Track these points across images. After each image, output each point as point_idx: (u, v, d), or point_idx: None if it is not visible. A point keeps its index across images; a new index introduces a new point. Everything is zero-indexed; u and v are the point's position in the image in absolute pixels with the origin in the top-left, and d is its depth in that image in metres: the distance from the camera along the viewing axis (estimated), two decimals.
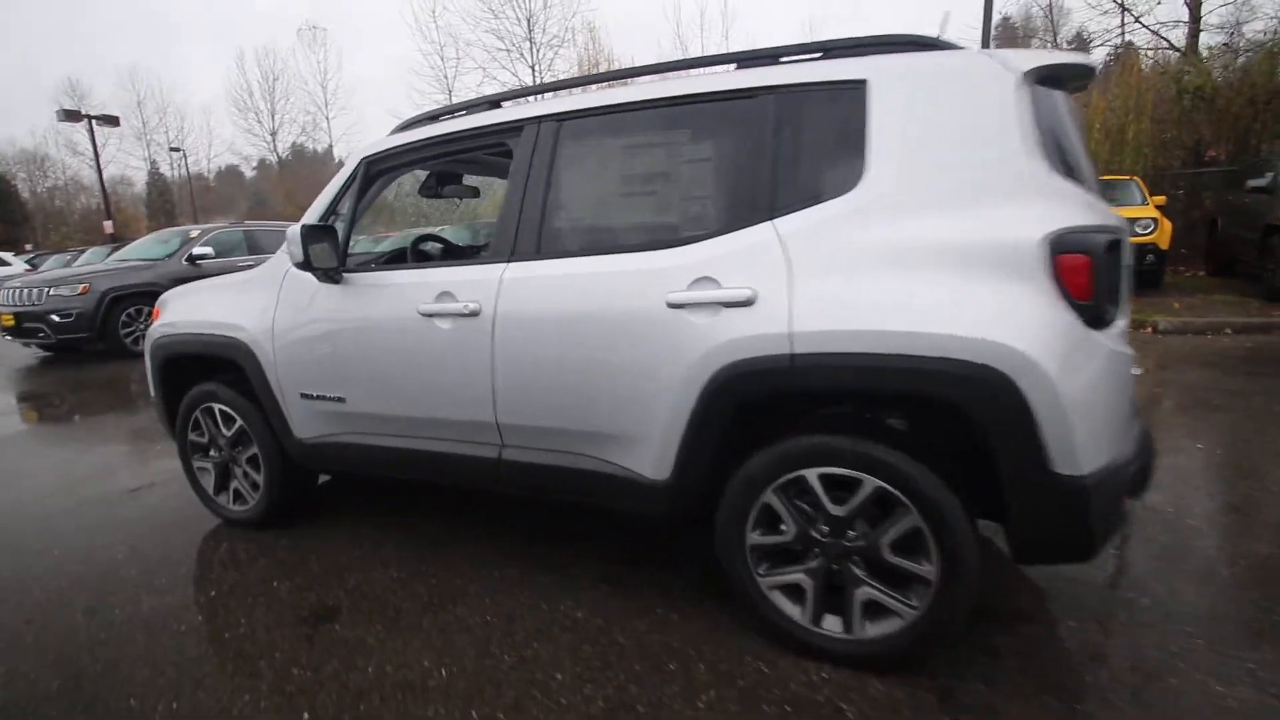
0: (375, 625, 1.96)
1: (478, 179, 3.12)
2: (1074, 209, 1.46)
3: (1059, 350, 1.39)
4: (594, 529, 2.47)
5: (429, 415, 2.12)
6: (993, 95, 1.49)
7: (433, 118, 2.23)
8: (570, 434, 1.90)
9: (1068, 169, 1.51)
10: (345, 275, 2.23)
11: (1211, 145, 11.31)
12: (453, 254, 3.00)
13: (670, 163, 1.82)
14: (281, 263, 2.40)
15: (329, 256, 2.15)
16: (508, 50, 23.61)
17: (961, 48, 1.66)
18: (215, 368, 2.60)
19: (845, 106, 1.60)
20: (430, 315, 2.02)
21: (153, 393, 2.84)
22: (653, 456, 1.78)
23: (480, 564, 2.28)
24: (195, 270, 7.68)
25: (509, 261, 1.94)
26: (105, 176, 21.07)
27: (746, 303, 1.59)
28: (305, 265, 2.09)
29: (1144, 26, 14.29)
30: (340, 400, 2.28)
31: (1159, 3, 14.21)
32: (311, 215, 2.35)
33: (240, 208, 37.79)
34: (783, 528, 1.68)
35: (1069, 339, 1.40)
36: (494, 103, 2.12)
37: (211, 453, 2.72)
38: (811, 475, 1.61)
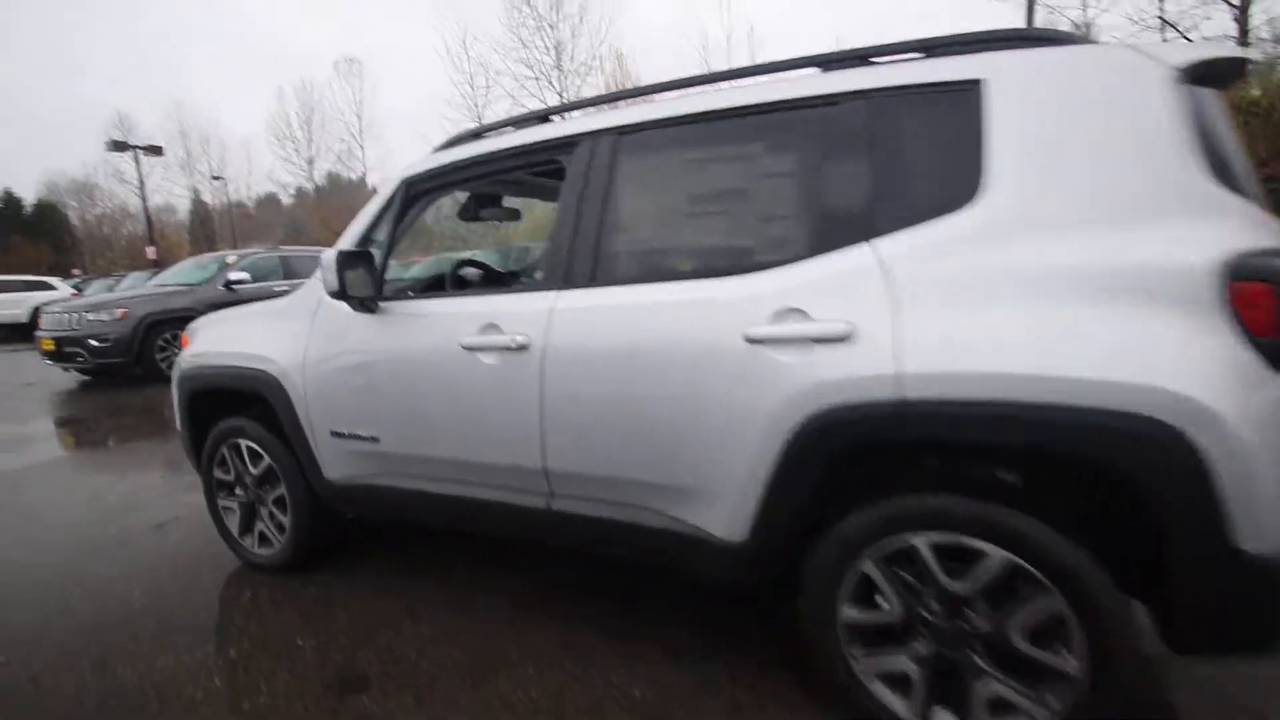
0: (406, 698, 1.74)
1: (515, 201, 2.97)
2: (1247, 228, 1.21)
3: (1241, 398, 1.13)
4: (648, 583, 2.23)
5: (471, 459, 1.92)
6: (1143, 95, 1.26)
7: (477, 135, 2.08)
8: (629, 485, 1.69)
9: (1231, 181, 1.27)
10: (381, 304, 2.06)
11: (1269, 162, 10.82)
12: (494, 280, 2.83)
13: (746, 178, 1.62)
14: (315, 291, 2.25)
15: (365, 284, 1.99)
16: (536, 78, 24.04)
17: (1089, 41, 1.43)
18: (244, 402, 2.45)
19: (957, 111, 1.38)
20: (473, 349, 1.84)
21: (179, 425, 2.70)
22: (726, 513, 1.55)
23: (520, 621, 2.06)
24: (232, 295, 7.72)
25: (561, 290, 1.75)
26: (150, 205, 21.89)
27: (841, 338, 1.37)
28: (340, 294, 1.92)
29: (1188, 40, 13.89)
30: (374, 440, 2.10)
31: (1208, 18, 13.76)
32: (347, 240, 2.20)
33: (278, 234, 38.85)
34: (883, 603, 1.43)
35: (1251, 384, 1.15)
36: (544, 117, 1.95)
37: (237, 491, 2.56)
38: (921, 543, 1.36)
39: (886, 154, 1.42)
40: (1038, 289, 1.24)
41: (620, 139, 1.73)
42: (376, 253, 2.10)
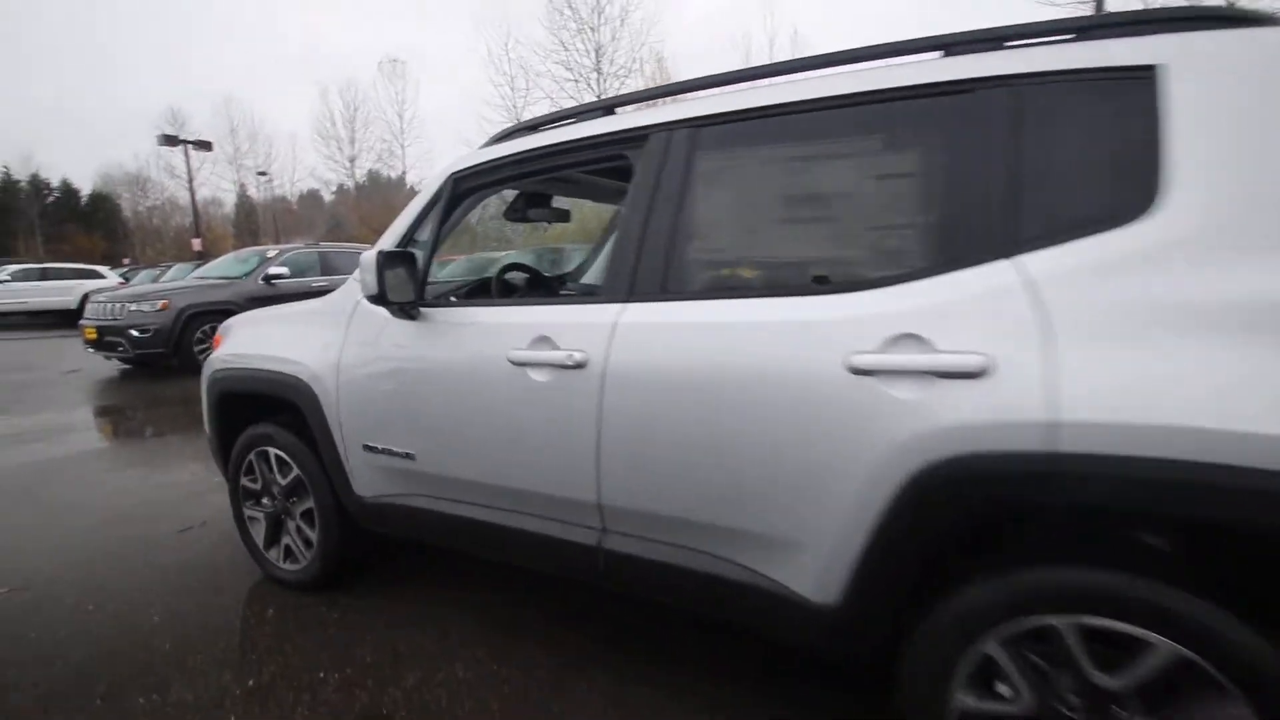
0: None
1: (563, 201, 2.78)
2: None
3: None
4: (713, 637, 2.01)
5: (514, 485, 1.72)
6: None
7: (533, 128, 1.88)
8: (695, 527, 1.47)
9: None
10: (422, 310, 1.88)
11: None
12: (543, 287, 2.64)
13: (853, 179, 1.39)
14: (351, 293, 2.08)
15: (406, 288, 1.81)
16: (575, 80, 24.05)
17: None
18: (274, 407, 2.30)
19: (1128, 102, 1.13)
20: (522, 364, 1.64)
21: (207, 428, 2.57)
22: (816, 570, 1.33)
23: (566, 672, 1.85)
24: (271, 290, 7.73)
25: (626, 302, 1.54)
26: (198, 198, 22.45)
27: (975, 373, 1.13)
28: (379, 298, 1.75)
29: None
30: (409, 457, 1.92)
31: None
32: (388, 240, 2.03)
33: (319, 229, 39.67)
34: (1007, 691, 1.19)
35: None
36: (608, 108, 1.75)
37: (264, 501, 2.41)
38: (1066, 625, 1.11)
39: (1035, 153, 1.18)
40: (1232, 324, 0.99)
41: (699, 133, 1.51)
42: (419, 254, 1.93)
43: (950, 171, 1.24)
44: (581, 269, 3.25)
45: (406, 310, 1.86)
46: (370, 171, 40.72)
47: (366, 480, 2.06)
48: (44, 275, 15.32)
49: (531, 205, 2.52)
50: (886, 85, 1.31)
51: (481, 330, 1.77)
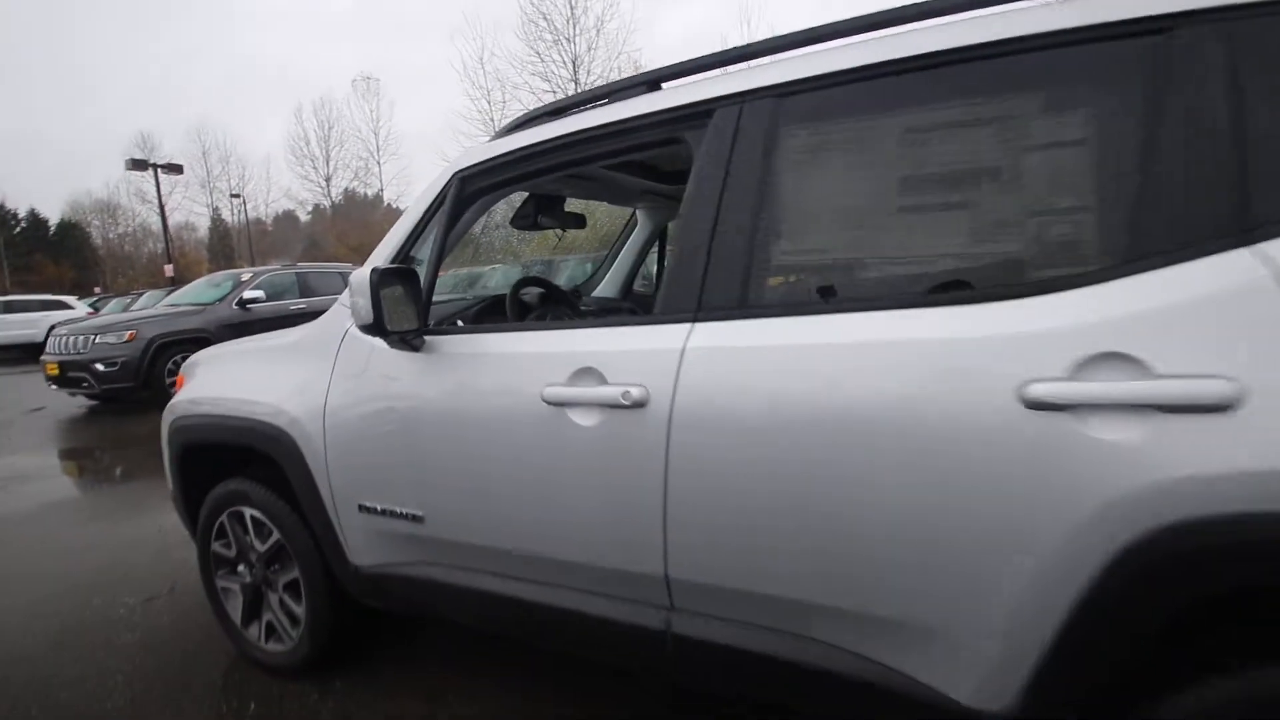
0: None
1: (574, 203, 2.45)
2: None
3: None
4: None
5: (553, 554, 1.38)
6: None
7: (556, 112, 1.55)
8: (799, 607, 1.14)
9: None
10: (427, 339, 1.54)
11: None
12: (557, 304, 2.29)
13: (1002, 150, 1.06)
14: (338, 320, 1.73)
15: (408, 313, 1.47)
16: (553, 92, 23.75)
17: None
18: (248, 460, 1.94)
19: None
20: (561, 403, 1.30)
21: (170, 485, 2.19)
22: (977, 667, 1.00)
23: None
24: (246, 315, 7.31)
25: (694, 322, 1.21)
26: (171, 223, 21.89)
27: (1219, 405, 0.82)
28: (375, 327, 1.40)
29: None
30: (416, 519, 1.56)
31: None
32: (382, 255, 1.68)
33: (295, 250, 38.99)
34: None
35: None
36: (653, 83, 1.42)
37: (240, 570, 2.03)
38: None
39: (1262, 108, 0.87)
40: None
41: (784, 103, 1.19)
42: (423, 271, 1.59)
43: (1150, 136, 0.93)
44: (593, 282, 2.92)
45: (408, 340, 1.51)
46: (346, 190, 40.22)
47: (363, 546, 1.70)
48: (8, 308, 14.64)
49: (543, 210, 2.19)
50: (1049, 28, 1.00)
51: (504, 362, 1.43)
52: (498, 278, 8.09)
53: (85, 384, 6.64)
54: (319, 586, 1.83)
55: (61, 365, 6.66)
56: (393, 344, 1.55)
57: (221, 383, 2.00)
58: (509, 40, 33.29)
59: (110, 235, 46.21)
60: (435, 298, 1.65)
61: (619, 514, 1.26)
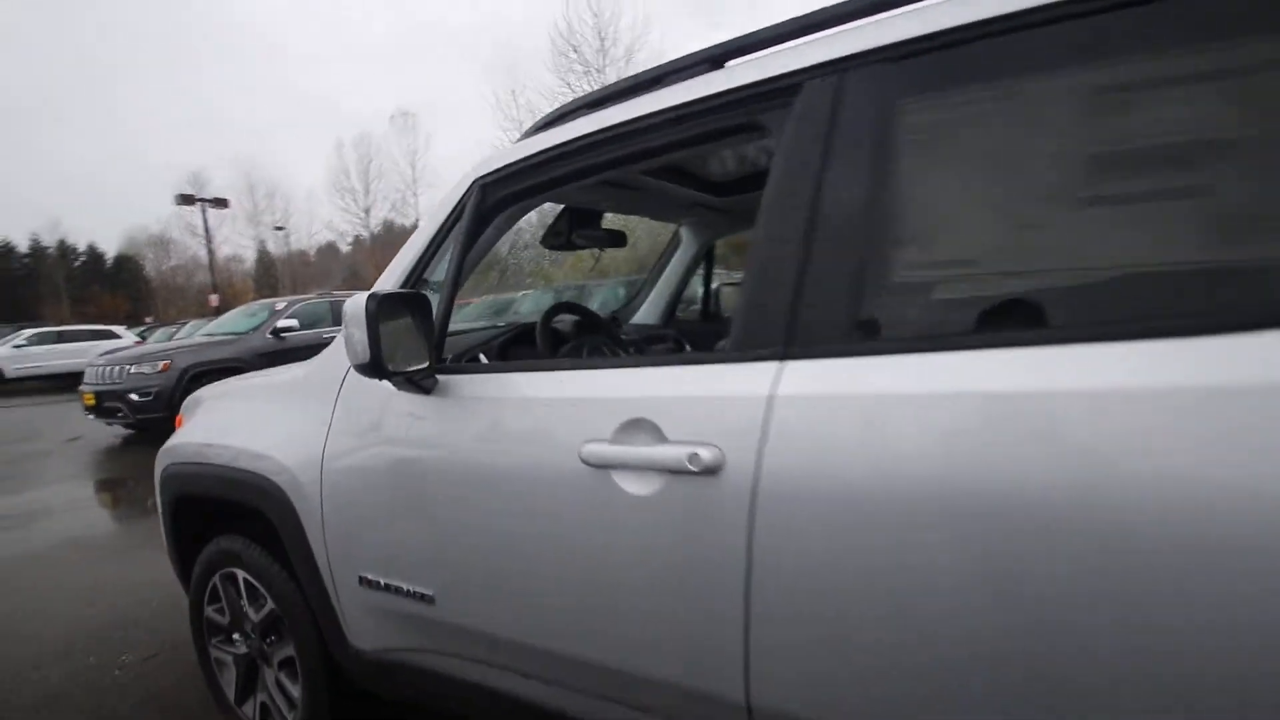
0: None
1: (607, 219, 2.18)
2: None
3: None
4: None
5: (596, 658, 1.07)
6: None
7: (596, 103, 1.28)
8: None
9: None
10: (440, 379, 1.27)
11: None
12: (594, 334, 2.01)
13: (1257, 112, 0.74)
14: (340, 354, 1.48)
15: (417, 348, 1.20)
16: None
17: None
18: (241, 515, 1.69)
19: None
20: (604, 465, 1.01)
21: (164, 537, 1.96)
22: None
23: None
24: (280, 344, 7.25)
25: (783, 360, 0.90)
26: (220, 255, 22.64)
27: None
28: (373, 367, 1.13)
29: None
30: (425, 599, 1.28)
31: None
32: (389, 280, 1.42)
33: (336, 280, 40.02)
34: None
35: None
36: (715, 60, 1.14)
37: (235, 639, 1.77)
38: None
39: None
40: None
41: (901, 69, 0.89)
42: (433, 296, 1.33)
43: None
44: (632, 307, 2.65)
45: (416, 380, 1.24)
46: (385, 221, 41.20)
47: (365, 627, 1.42)
48: (60, 338, 15.13)
49: (578, 227, 1.92)
50: None
51: (533, 409, 1.14)
52: (529, 304, 7.90)
53: (120, 414, 6.62)
54: (316, 668, 1.56)
55: (98, 395, 6.66)
56: (399, 385, 1.28)
57: (215, 425, 1.76)
58: (540, 73, 33.84)
59: (163, 268, 48.28)
60: (453, 326, 1.38)
61: (682, 611, 0.95)
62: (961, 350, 0.79)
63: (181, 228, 44.06)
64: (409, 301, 1.22)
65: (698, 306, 2.98)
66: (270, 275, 46.25)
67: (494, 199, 1.34)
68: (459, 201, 1.36)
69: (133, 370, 6.56)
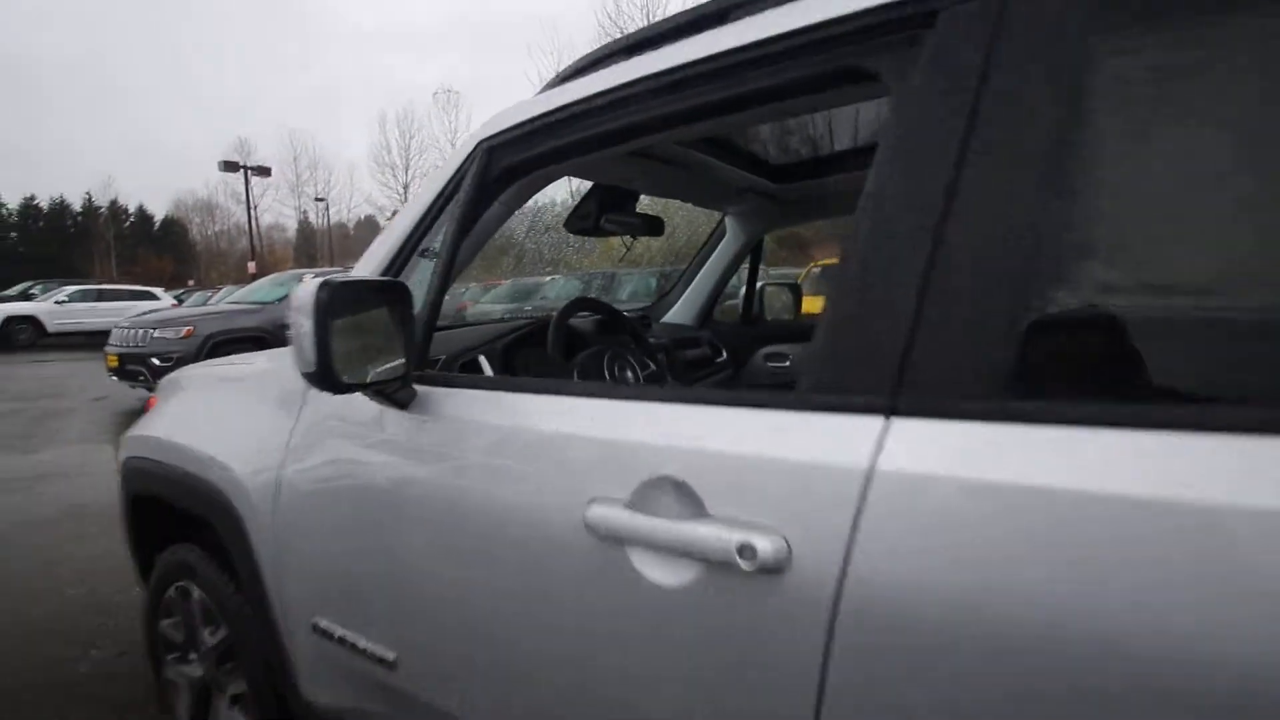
0: None
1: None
2: None
3: None
4: None
5: None
6: None
7: (636, 46, 0.99)
8: None
9: None
10: (419, 389, 1.00)
11: None
12: (616, 334, 1.72)
13: None
14: None
15: (389, 352, 0.93)
16: None
17: None
18: (196, 524, 1.46)
19: None
20: (620, 540, 0.73)
21: (124, 533, 1.75)
22: None
23: None
24: None
25: (889, 415, 0.61)
26: (262, 224, 22.91)
27: None
28: (323, 377, 0.86)
29: None
30: (386, 664, 1.02)
31: None
32: (370, 263, 1.16)
33: None
34: None
35: None
36: None
37: (191, 658, 1.55)
38: None
39: None
40: None
41: None
42: (425, 283, 1.06)
43: None
44: (665, 304, 2.36)
45: (388, 393, 0.98)
46: None
47: (319, 678, 1.17)
48: (100, 296, 15.43)
49: (607, 209, 1.64)
50: None
51: (525, 442, 0.87)
52: (557, 290, 7.63)
53: (141, 377, 6.59)
54: (269, 712, 1.32)
55: (121, 358, 6.63)
56: (370, 395, 1.02)
57: (178, 417, 1.53)
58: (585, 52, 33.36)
59: (208, 232, 49.49)
60: (473, 310, 1.12)
61: None
62: (1191, 431, 0.49)
63: (226, 194, 45.08)
64: (383, 292, 0.96)
65: (734, 302, 2.68)
66: (311, 245, 46.99)
67: (502, 166, 1.06)
68: (459, 168, 1.08)
69: (155, 334, 6.51)
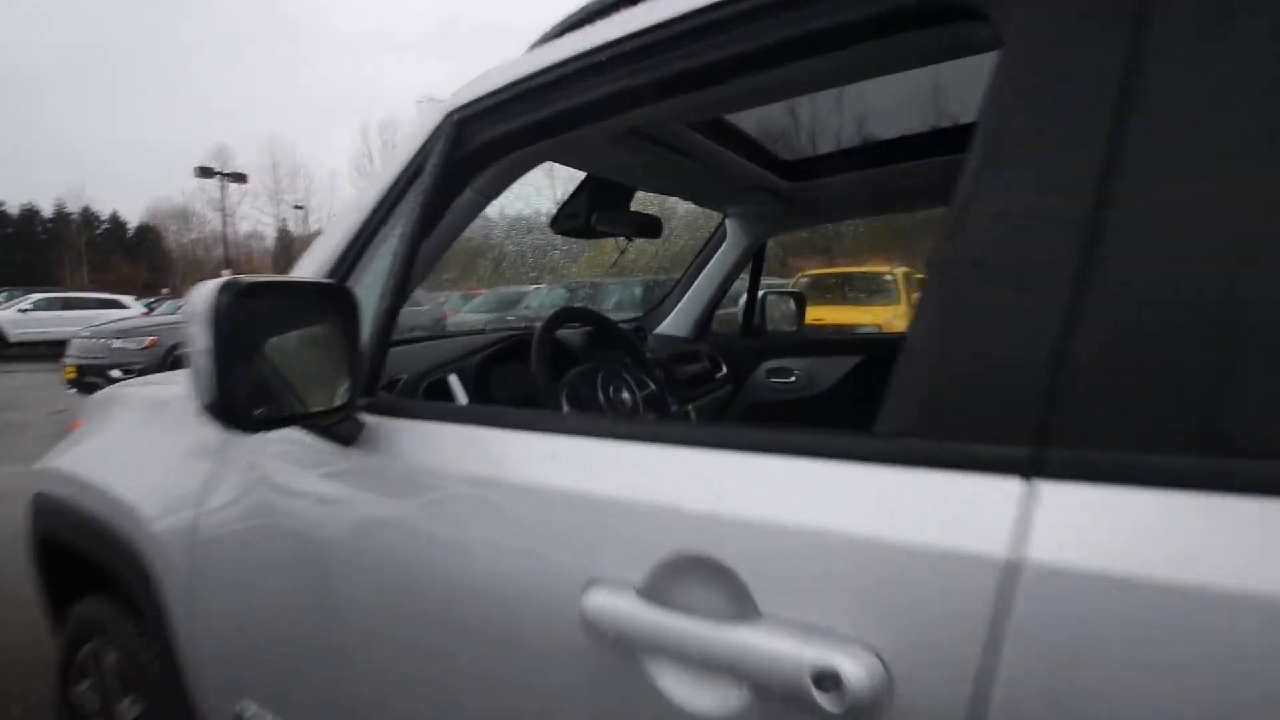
0: None
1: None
2: None
3: None
4: None
5: None
6: None
7: None
8: None
9: None
10: (368, 420, 0.79)
11: None
12: (622, 351, 1.51)
13: None
14: None
15: (326, 376, 0.73)
16: None
17: None
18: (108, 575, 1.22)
19: None
20: (630, 642, 0.53)
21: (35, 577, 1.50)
22: None
23: None
24: None
25: (1031, 477, 0.41)
26: (240, 232, 22.36)
27: None
28: (223, 411, 0.65)
29: None
30: None
31: None
32: (311, 265, 0.95)
33: None
34: None
35: None
36: None
37: None
38: None
39: None
40: None
41: None
42: (378, 287, 0.85)
43: None
44: (660, 313, 2.17)
45: (326, 427, 0.77)
46: None
47: None
48: (66, 305, 14.89)
49: (601, 206, 1.44)
50: None
51: (507, 500, 0.66)
52: (540, 299, 7.41)
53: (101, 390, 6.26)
54: None
55: (80, 369, 6.31)
56: (309, 428, 0.80)
57: (96, 445, 1.30)
58: None
59: (184, 240, 48.48)
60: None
61: None
62: None
63: (203, 201, 44.25)
64: (320, 297, 0.75)
65: (731, 311, 2.50)
66: (289, 254, 46.24)
67: (474, 144, 0.86)
68: (423, 147, 0.88)
69: (116, 345, 6.20)
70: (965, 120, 1.44)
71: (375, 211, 0.89)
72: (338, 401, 0.74)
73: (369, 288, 0.86)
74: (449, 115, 0.86)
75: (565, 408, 1.14)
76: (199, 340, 0.62)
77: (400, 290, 0.83)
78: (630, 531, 0.55)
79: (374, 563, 0.74)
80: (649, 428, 0.60)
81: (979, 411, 0.44)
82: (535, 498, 0.62)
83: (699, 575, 0.50)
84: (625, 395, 1.26)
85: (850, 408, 1.92)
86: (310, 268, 0.93)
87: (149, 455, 1.08)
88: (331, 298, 0.76)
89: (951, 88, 1.38)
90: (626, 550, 0.54)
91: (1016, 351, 0.43)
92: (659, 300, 2.25)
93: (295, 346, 0.72)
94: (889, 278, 8.00)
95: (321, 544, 0.80)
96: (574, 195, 1.47)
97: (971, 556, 0.41)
